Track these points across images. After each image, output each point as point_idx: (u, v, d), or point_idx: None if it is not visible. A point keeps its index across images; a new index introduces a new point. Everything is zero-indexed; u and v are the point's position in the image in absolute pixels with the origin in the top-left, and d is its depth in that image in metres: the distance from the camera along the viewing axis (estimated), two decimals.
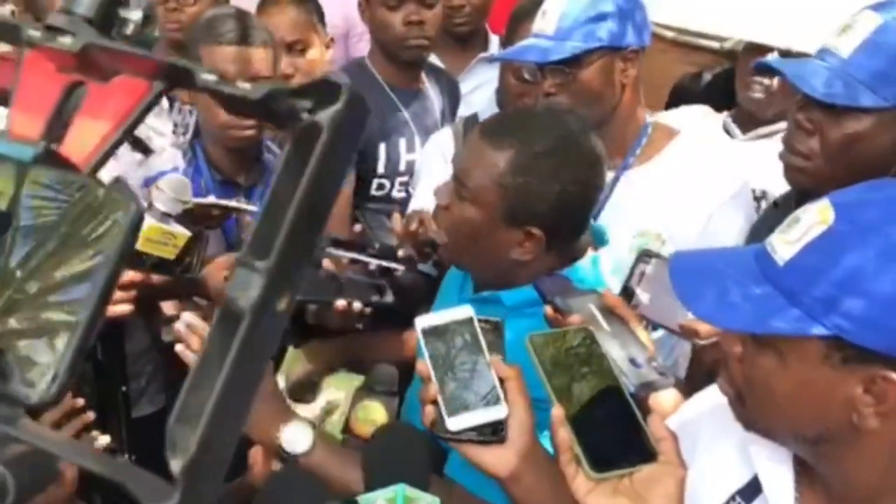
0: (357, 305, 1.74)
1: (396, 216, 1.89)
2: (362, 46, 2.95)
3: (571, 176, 1.54)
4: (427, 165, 2.38)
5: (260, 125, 2.12)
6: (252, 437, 1.41)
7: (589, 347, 1.18)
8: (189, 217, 1.64)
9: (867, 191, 1.04)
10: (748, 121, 2.36)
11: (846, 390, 0.95)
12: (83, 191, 0.52)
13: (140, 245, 1.48)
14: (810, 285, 0.95)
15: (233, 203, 1.98)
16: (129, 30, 0.56)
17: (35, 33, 0.55)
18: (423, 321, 1.22)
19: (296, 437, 1.38)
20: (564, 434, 1.08)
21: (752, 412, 1.05)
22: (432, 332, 1.21)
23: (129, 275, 1.65)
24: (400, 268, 1.76)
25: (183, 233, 1.55)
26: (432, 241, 1.79)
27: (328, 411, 1.70)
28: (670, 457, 1.05)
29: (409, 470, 1.10)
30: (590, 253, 1.62)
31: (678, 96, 2.88)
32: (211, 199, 1.96)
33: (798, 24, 2.11)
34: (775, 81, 2.26)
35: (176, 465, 0.45)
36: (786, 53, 2.16)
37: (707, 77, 2.93)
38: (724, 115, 2.44)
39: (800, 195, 1.64)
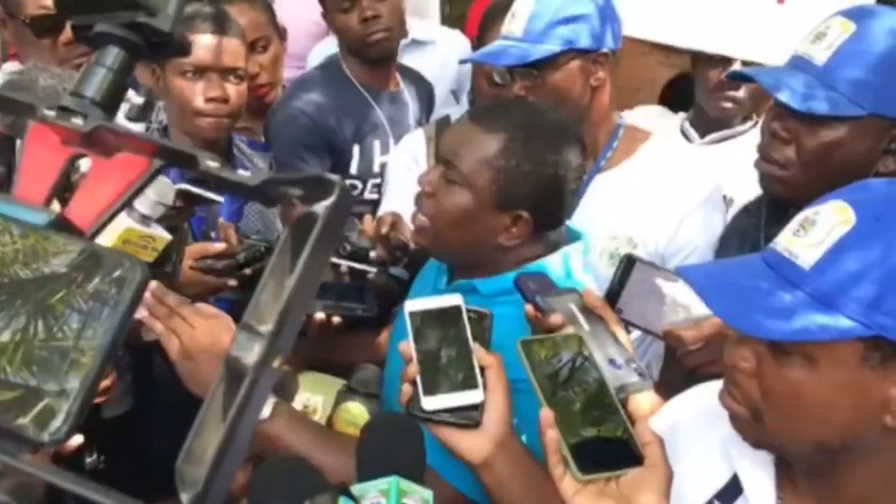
0: (336, 320, 1.78)
1: (368, 218, 1.92)
2: None
3: (562, 159, 1.62)
4: (397, 168, 2.44)
5: (233, 115, 2.20)
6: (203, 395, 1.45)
7: (579, 352, 1.24)
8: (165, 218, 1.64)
9: (873, 188, 1.06)
10: (706, 125, 2.44)
11: (882, 391, 0.96)
12: (90, 253, 0.61)
13: (116, 247, 1.49)
14: (845, 286, 0.94)
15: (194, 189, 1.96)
16: (132, 112, 0.66)
17: (50, 112, 0.64)
18: (412, 304, 1.29)
19: None
20: (553, 435, 1.13)
21: (772, 428, 1.03)
22: (420, 316, 1.28)
23: None
24: (372, 270, 1.80)
25: (163, 236, 1.55)
26: (404, 245, 1.86)
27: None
28: (656, 460, 1.11)
29: (404, 461, 1.14)
30: (561, 250, 1.67)
31: (670, 97, 2.96)
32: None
33: (764, 37, 2.17)
34: (742, 92, 2.35)
35: (185, 498, 0.55)
36: (748, 64, 2.22)
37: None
38: (682, 119, 2.52)
39: (771, 201, 1.71)
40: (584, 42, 1.99)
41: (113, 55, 0.67)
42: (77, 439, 1.57)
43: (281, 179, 0.61)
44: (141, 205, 1.49)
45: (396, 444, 1.19)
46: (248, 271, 1.86)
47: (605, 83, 2.05)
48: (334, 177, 0.59)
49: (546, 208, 1.63)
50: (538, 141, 1.61)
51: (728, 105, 2.39)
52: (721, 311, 1.02)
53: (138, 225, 1.49)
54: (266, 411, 1.43)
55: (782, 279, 1.00)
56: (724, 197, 2.12)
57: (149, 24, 0.67)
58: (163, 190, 1.51)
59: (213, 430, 0.56)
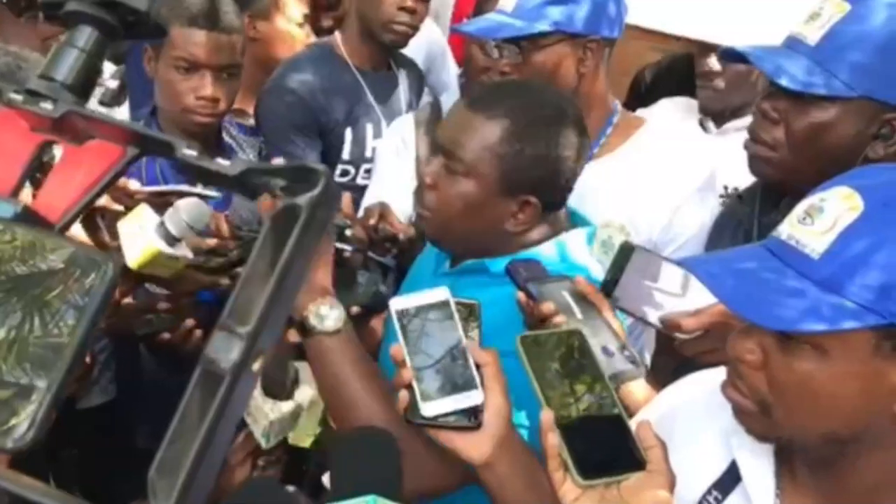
0: (354, 309, 1.71)
1: (346, 195, 1.89)
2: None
3: (565, 140, 1.58)
4: (386, 152, 2.40)
5: (224, 110, 2.17)
6: None
7: (580, 350, 1.19)
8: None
9: (878, 174, 1.03)
10: (720, 115, 2.43)
11: (893, 380, 0.95)
12: (60, 248, 0.58)
13: (139, 267, 1.46)
14: (859, 274, 0.93)
15: (195, 189, 1.86)
16: (106, 97, 0.62)
17: (17, 96, 0.60)
18: (397, 303, 1.24)
19: (328, 314, 1.38)
20: (553, 439, 1.09)
21: (781, 421, 1.02)
22: (407, 315, 1.23)
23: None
24: (348, 248, 1.73)
25: (186, 256, 1.52)
26: (393, 236, 1.82)
27: (297, 415, 1.69)
28: (658, 465, 1.07)
29: (381, 477, 1.10)
30: (556, 238, 1.64)
31: (640, 87, 2.98)
32: (168, 186, 1.90)
33: (762, 26, 2.07)
34: (720, 81, 2.35)
35: None
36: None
37: (664, 64, 3.02)
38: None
39: (765, 188, 1.69)
40: (574, 26, 1.94)
41: (85, 35, 0.63)
42: None
43: (263, 169, 0.57)
44: (173, 225, 1.46)
45: (372, 459, 1.14)
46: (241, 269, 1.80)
47: (597, 70, 2.00)
48: (320, 166, 0.55)
49: (551, 190, 1.60)
50: (540, 124, 1.57)
51: (705, 94, 2.38)
52: (732, 303, 1.00)
53: (168, 248, 1.45)
54: (335, 324, 1.38)
55: (790, 268, 0.98)
56: (736, 189, 2.09)
57: (123, 2, 0.63)
58: (197, 215, 1.47)
59: (189, 437, 0.52)
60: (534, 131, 1.56)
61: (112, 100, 0.63)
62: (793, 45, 1.51)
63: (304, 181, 0.55)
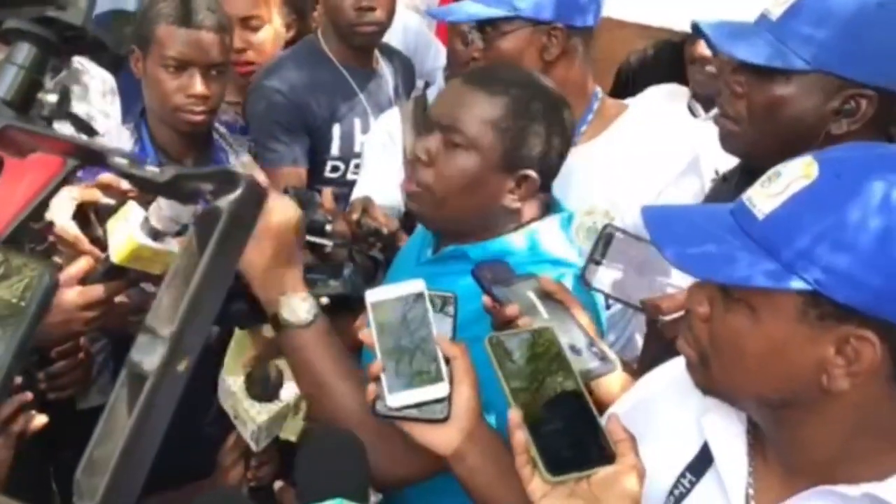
0: (323, 301, 1.67)
1: (327, 191, 1.88)
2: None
3: (559, 119, 1.61)
4: (373, 146, 2.40)
5: (213, 110, 2.18)
6: (255, 292, 1.40)
7: (549, 348, 1.18)
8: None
9: (851, 149, 1.06)
10: (709, 100, 2.42)
11: (819, 350, 0.96)
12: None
13: (126, 262, 1.44)
14: (792, 238, 0.95)
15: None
16: (46, 110, 0.63)
17: None
18: (372, 294, 1.24)
19: (300, 307, 1.37)
20: (521, 436, 1.08)
21: (716, 375, 1.04)
22: (381, 307, 1.23)
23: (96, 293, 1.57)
24: (328, 243, 1.72)
25: (173, 251, 1.47)
26: (377, 231, 1.82)
27: (285, 414, 1.69)
28: (628, 458, 1.07)
29: (347, 480, 1.08)
30: (527, 228, 1.64)
31: (625, 74, 3.00)
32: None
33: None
34: (712, 67, 2.35)
35: None
36: None
37: (650, 52, 3.03)
38: (689, 95, 2.53)
39: (744, 168, 1.68)
40: (537, 13, 1.93)
41: (24, 52, 0.64)
42: (41, 419, 1.51)
43: (191, 174, 0.58)
44: (156, 220, 1.43)
45: (338, 462, 1.13)
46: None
47: (569, 58, 1.98)
48: (241, 170, 0.56)
49: (549, 166, 1.61)
50: (541, 101, 1.59)
51: (697, 79, 2.37)
52: (664, 246, 1.02)
53: (150, 242, 1.44)
54: (307, 316, 1.37)
55: (737, 226, 1.00)
56: (717, 172, 2.09)
57: (59, 18, 0.63)
58: (178, 208, 1.43)
59: (115, 438, 0.53)
60: (533, 108, 1.58)
61: (54, 112, 0.64)
62: (760, 21, 1.51)
63: (227, 185, 0.56)
